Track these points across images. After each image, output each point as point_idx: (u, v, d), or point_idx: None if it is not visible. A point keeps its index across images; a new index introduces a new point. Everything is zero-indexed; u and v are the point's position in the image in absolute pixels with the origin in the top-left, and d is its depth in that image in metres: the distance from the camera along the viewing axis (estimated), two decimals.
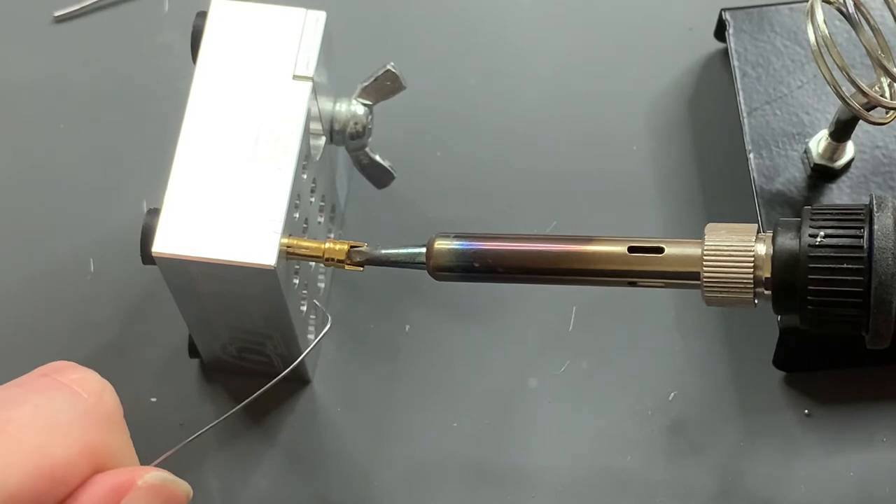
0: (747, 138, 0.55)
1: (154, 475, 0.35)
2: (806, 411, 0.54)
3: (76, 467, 0.34)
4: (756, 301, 0.43)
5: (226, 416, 0.43)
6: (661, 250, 0.44)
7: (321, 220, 0.53)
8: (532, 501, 0.53)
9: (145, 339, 0.55)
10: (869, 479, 0.53)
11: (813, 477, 0.53)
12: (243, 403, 0.45)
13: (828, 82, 0.49)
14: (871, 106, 0.49)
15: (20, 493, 0.33)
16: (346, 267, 0.48)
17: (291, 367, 0.47)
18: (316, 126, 0.51)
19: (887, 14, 0.49)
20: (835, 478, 0.53)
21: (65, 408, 0.35)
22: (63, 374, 0.36)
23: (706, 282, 0.43)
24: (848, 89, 0.49)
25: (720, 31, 0.59)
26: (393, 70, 0.52)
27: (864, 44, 0.47)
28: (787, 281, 0.42)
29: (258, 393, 0.45)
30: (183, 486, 0.36)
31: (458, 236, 0.46)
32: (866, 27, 0.48)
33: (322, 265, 0.53)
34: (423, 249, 0.46)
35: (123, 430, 0.37)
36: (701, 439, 0.54)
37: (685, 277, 0.44)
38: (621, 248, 0.44)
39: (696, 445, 0.54)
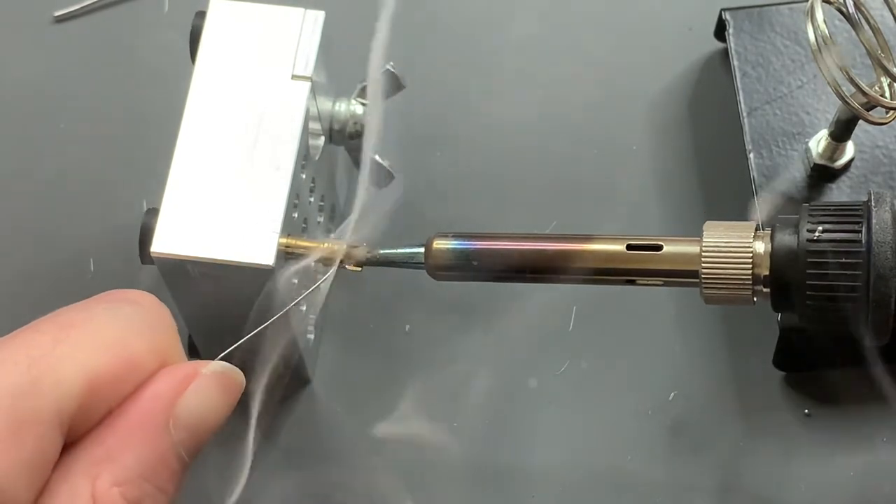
0: (747, 138, 0.55)
1: (216, 364, 0.40)
2: (806, 411, 0.54)
3: (149, 359, 0.38)
4: (755, 298, 0.43)
5: (238, 343, 0.43)
6: (659, 248, 0.44)
7: (321, 219, 0.53)
8: (532, 501, 0.53)
9: None
10: (869, 479, 0.53)
11: (813, 477, 0.53)
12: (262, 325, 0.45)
13: (828, 82, 0.48)
14: (871, 106, 0.49)
15: (105, 372, 0.37)
16: (345, 267, 0.48)
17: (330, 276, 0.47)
18: (315, 126, 0.51)
19: (887, 14, 0.49)
20: (835, 478, 0.53)
21: (133, 314, 0.39)
22: (125, 293, 0.40)
23: (705, 280, 0.43)
24: (848, 89, 0.49)
25: (720, 31, 0.59)
26: (393, 70, 0.52)
27: (864, 44, 0.47)
28: (786, 277, 0.42)
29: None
30: (240, 376, 0.41)
31: (457, 236, 0.46)
32: (866, 27, 0.48)
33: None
34: (422, 249, 0.46)
35: (179, 341, 0.40)
36: (701, 439, 0.54)
37: (684, 275, 0.44)
38: (620, 247, 0.44)
39: (696, 445, 0.54)
